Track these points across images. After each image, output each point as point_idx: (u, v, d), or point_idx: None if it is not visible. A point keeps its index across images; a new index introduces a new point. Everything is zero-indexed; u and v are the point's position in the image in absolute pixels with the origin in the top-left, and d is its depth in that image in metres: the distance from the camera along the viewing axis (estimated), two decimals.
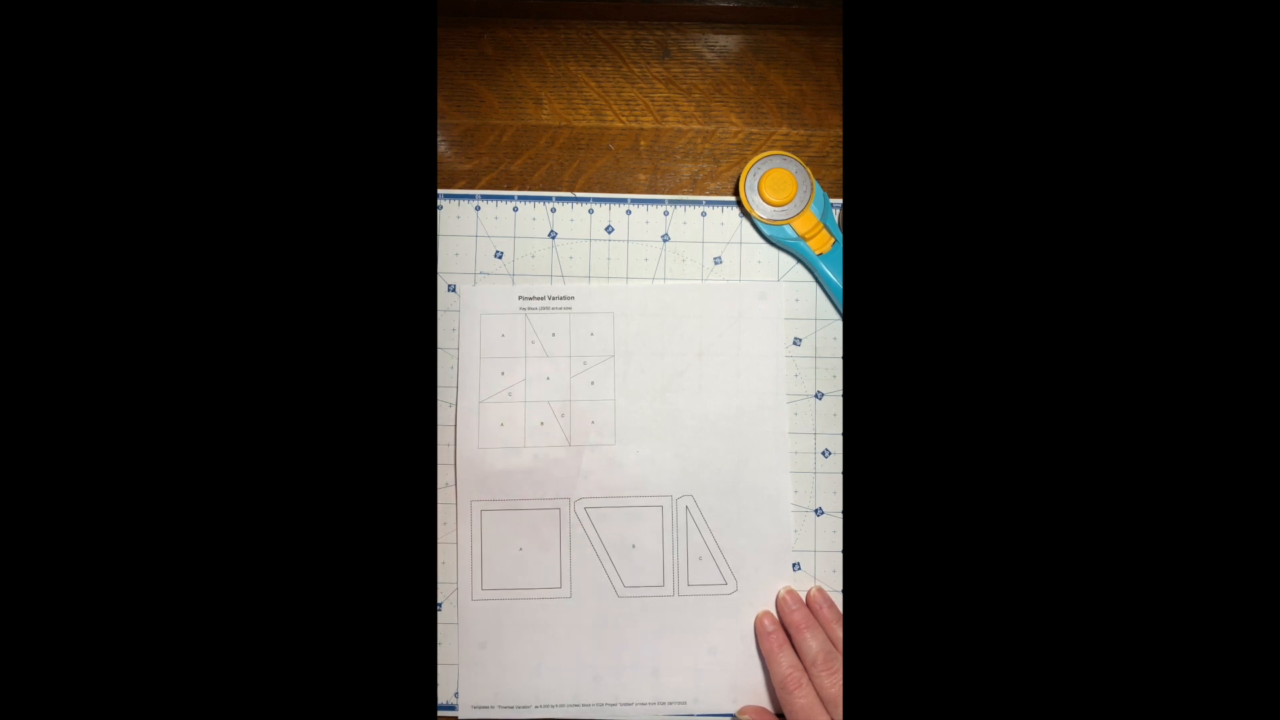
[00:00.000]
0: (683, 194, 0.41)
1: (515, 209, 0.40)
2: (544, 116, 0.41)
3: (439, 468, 0.39)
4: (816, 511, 0.40)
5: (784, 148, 0.41)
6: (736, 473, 0.39)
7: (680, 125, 0.41)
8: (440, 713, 0.38)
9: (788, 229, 0.39)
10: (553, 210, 0.40)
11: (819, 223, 0.39)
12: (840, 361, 0.40)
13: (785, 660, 0.37)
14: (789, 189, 0.39)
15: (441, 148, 0.41)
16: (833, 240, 0.39)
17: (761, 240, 0.40)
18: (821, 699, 0.35)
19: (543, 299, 0.40)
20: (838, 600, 0.39)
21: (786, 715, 0.36)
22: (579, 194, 0.41)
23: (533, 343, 0.40)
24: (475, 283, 0.40)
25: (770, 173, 0.39)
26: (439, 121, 0.41)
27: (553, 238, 0.40)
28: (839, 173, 0.41)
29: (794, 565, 0.39)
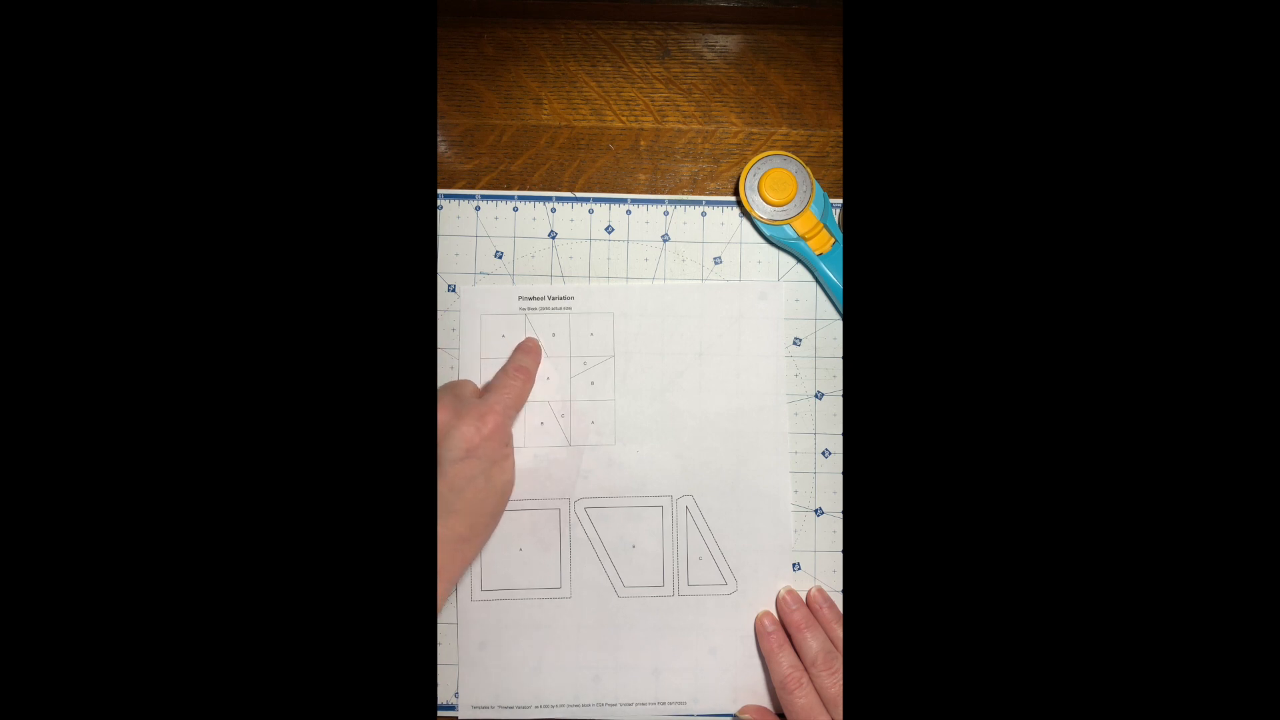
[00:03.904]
0: (683, 194, 0.41)
1: (515, 209, 0.40)
2: (544, 116, 0.41)
3: None
4: (816, 511, 0.40)
5: (784, 148, 0.41)
6: (736, 473, 0.39)
7: (680, 125, 0.41)
8: (440, 713, 0.38)
9: (788, 229, 0.39)
10: (553, 210, 0.40)
11: (819, 223, 0.39)
12: (840, 361, 0.40)
13: (785, 660, 0.37)
14: (789, 189, 0.39)
15: (441, 148, 0.41)
16: (833, 240, 0.39)
17: (761, 240, 0.40)
18: (822, 699, 0.35)
19: (543, 299, 0.40)
20: (838, 600, 0.39)
21: (787, 715, 0.36)
22: (579, 194, 0.41)
23: None
24: (475, 283, 0.40)
25: (770, 173, 0.39)
26: (439, 121, 0.41)
27: (553, 238, 0.40)
28: (839, 173, 0.41)
29: (794, 565, 0.39)
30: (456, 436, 0.34)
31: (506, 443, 0.36)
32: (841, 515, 0.40)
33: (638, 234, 0.40)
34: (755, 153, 0.41)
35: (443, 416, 0.34)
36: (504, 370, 0.38)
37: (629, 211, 0.40)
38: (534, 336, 0.40)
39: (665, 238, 0.40)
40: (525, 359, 0.39)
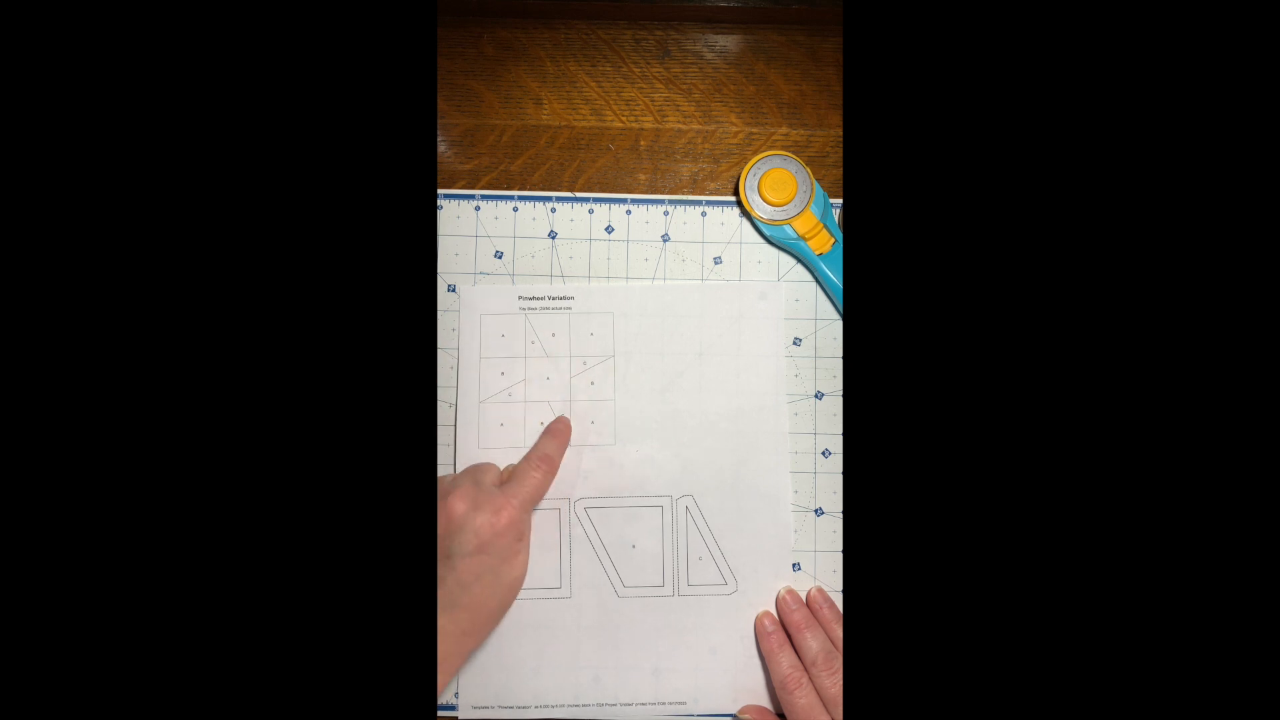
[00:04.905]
0: (683, 194, 0.41)
1: (515, 209, 0.40)
2: (544, 116, 0.41)
3: (439, 468, 0.39)
4: (816, 511, 0.40)
5: (784, 148, 0.41)
6: (736, 473, 0.39)
7: (680, 125, 0.41)
8: (440, 713, 0.38)
9: (788, 229, 0.39)
10: (553, 210, 0.40)
11: (819, 223, 0.39)
12: (840, 361, 0.40)
13: (785, 660, 0.37)
14: (789, 189, 0.39)
15: (441, 148, 0.41)
16: (833, 240, 0.39)
17: (761, 240, 0.40)
18: (822, 699, 0.35)
19: (543, 299, 0.40)
20: (838, 600, 0.39)
21: (787, 715, 0.36)
22: (579, 194, 0.41)
23: (533, 343, 0.40)
24: (475, 283, 0.40)
25: (770, 173, 0.39)
26: (439, 121, 0.41)
27: (553, 238, 0.40)
28: (839, 173, 0.41)
29: (794, 565, 0.39)
30: (470, 530, 0.33)
31: (520, 536, 0.36)
32: (841, 515, 0.40)
33: (638, 234, 0.40)
34: (755, 153, 0.41)
35: (460, 506, 0.34)
36: (526, 458, 0.38)
37: (629, 211, 0.40)
38: (566, 417, 0.39)
39: (665, 238, 0.40)
40: (550, 445, 0.38)
